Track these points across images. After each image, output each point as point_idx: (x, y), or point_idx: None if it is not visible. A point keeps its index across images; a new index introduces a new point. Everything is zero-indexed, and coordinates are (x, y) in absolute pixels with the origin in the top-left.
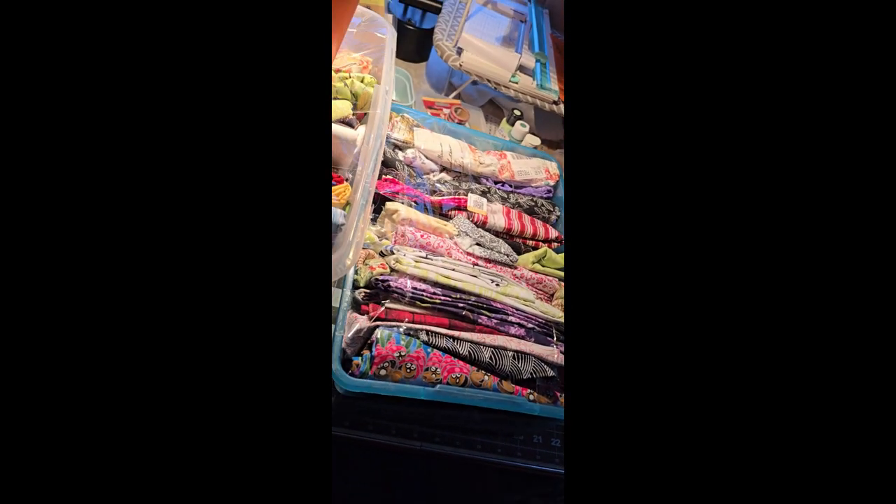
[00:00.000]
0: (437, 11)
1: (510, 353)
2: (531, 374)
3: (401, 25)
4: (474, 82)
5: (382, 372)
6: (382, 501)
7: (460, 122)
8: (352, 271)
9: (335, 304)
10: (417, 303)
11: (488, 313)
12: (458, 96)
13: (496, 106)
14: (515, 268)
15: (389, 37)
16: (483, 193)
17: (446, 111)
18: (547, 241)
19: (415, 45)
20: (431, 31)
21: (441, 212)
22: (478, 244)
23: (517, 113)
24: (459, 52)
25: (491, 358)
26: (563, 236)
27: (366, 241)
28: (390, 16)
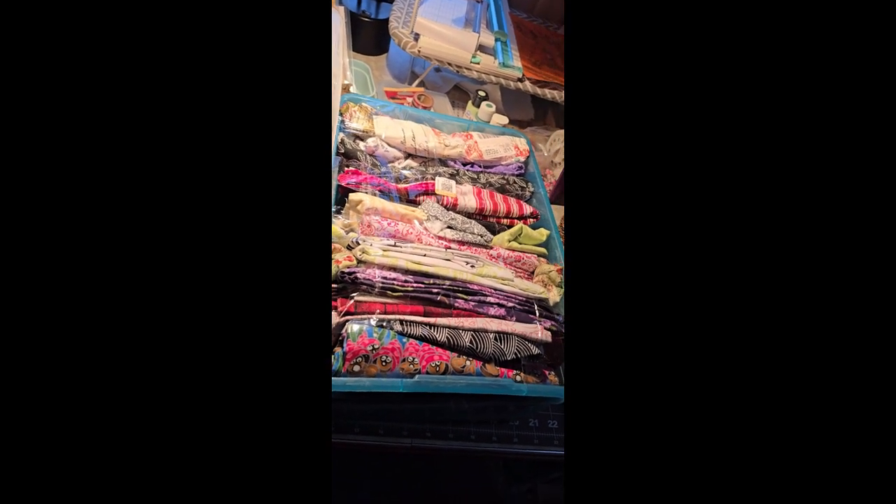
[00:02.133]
0: (392, 0)
1: (491, 335)
2: (515, 354)
3: (356, 18)
4: (437, 69)
5: (356, 368)
6: None
7: (424, 109)
8: None
9: None
10: (388, 292)
11: (465, 296)
12: (421, 84)
13: (462, 91)
14: (491, 248)
15: (335, 19)
16: (451, 176)
17: (409, 100)
18: (522, 217)
19: (372, 37)
20: (388, 21)
21: (408, 198)
22: (449, 227)
23: (482, 94)
24: (416, 37)
25: (471, 342)
26: (538, 212)
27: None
28: (341, 7)
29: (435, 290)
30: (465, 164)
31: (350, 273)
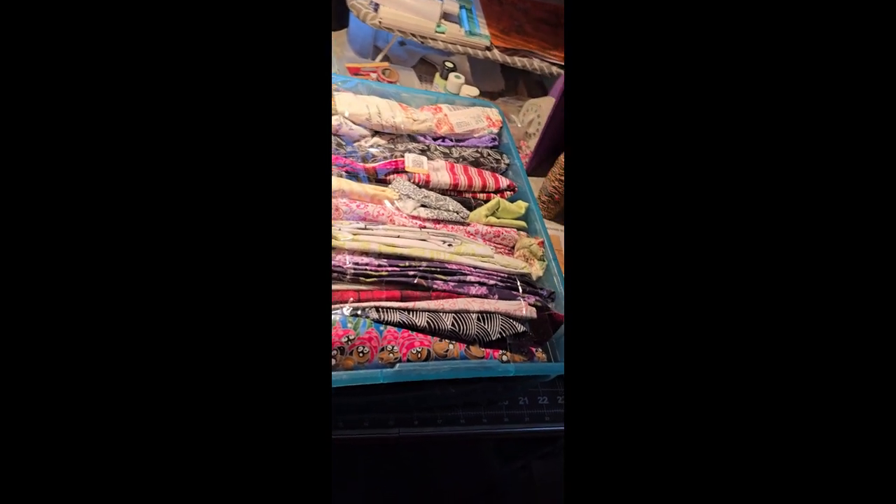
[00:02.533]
0: None
1: (474, 316)
2: (500, 333)
3: None
4: (401, 42)
5: (332, 362)
6: (384, 501)
7: (390, 84)
8: None
9: None
10: (361, 279)
11: (443, 277)
12: (385, 58)
13: (429, 64)
14: (468, 224)
15: None
16: (422, 152)
17: (373, 75)
18: (498, 191)
19: (331, 10)
20: None
21: (377, 178)
22: (423, 205)
23: (449, 65)
24: (376, 7)
25: (453, 324)
26: (514, 184)
27: None
28: None
29: (411, 273)
30: (435, 139)
31: None
